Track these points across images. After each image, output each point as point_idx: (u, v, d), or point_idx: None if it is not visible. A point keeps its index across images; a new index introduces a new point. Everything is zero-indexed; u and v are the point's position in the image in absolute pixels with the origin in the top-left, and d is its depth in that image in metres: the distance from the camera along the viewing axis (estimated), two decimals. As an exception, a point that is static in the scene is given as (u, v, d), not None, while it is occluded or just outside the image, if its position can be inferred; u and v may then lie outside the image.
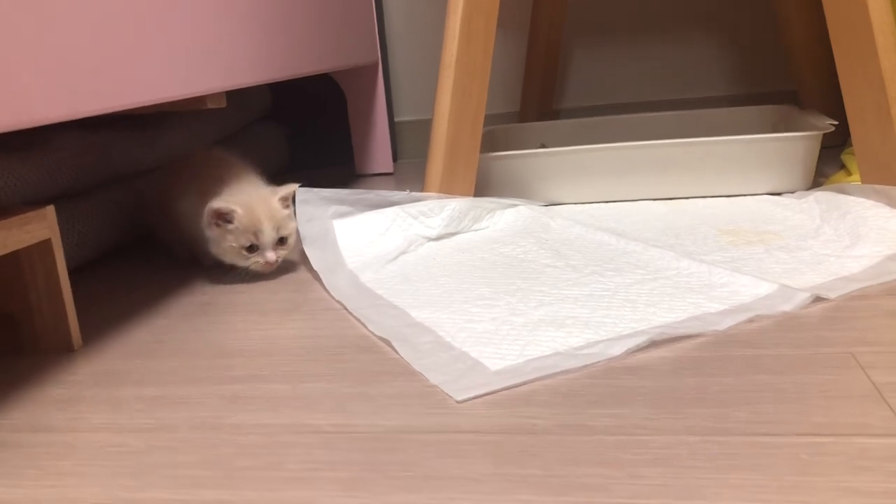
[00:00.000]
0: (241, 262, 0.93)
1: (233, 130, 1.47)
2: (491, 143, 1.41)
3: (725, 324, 0.68)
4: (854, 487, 0.45)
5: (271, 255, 0.93)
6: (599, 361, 0.64)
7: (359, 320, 0.78)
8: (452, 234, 1.07)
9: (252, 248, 0.92)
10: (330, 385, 0.65)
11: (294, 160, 1.78)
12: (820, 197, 1.03)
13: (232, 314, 0.85)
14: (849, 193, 1.00)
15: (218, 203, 0.91)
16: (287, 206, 0.96)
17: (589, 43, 1.73)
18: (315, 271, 0.93)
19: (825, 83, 1.44)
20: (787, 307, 0.70)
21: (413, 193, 1.13)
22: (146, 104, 0.76)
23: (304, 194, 1.07)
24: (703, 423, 0.54)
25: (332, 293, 0.87)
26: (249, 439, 0.57)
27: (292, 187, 0.98)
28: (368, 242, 1.01)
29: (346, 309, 0.82)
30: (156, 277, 1.03)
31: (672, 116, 1.45)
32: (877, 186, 0.94)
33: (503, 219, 1.12)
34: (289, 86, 1.73)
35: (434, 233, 1.05)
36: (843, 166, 1.20)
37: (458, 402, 0.59)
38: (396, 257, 0.99)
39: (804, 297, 0.71)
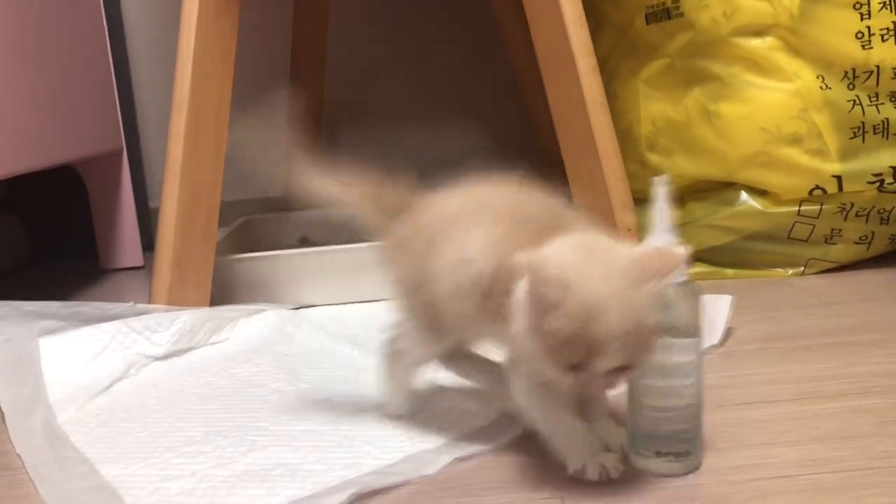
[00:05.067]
0: (543, 371, 0.55)
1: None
2: (245, 236, 1.33)
3: (438, 465, 0.64)
4: None
5: (598, 387, 0.55)
6: (296, 529, 0.57)
7: (34, 483, 0.66)
8: (185, 350, 0.97)
9: (570, 367, 0.53)
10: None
11: (37, 254, 1.60)
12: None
13: None
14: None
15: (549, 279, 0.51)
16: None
17: (353, 125, 1.71)
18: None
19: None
20: (503, 439, 0.67)
21: (138, 305, 1.02)
22: None
23: (2, 309, 0.93)
24: None
25: (14, 443, 0.74)
26: None
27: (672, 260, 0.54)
28: (80, 366, 0.89)
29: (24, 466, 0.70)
30: None
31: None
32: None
33: (246, 328, 1.03)
34: (27, 175, 1.56)
35: (162, 350, 0.95)
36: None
37: None
38: (110, 385, 0.87)
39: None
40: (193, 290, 1.02)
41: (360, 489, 0.60)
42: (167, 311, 1.00)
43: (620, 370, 0.53)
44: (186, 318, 0.98)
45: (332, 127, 1.69)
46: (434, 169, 1.67)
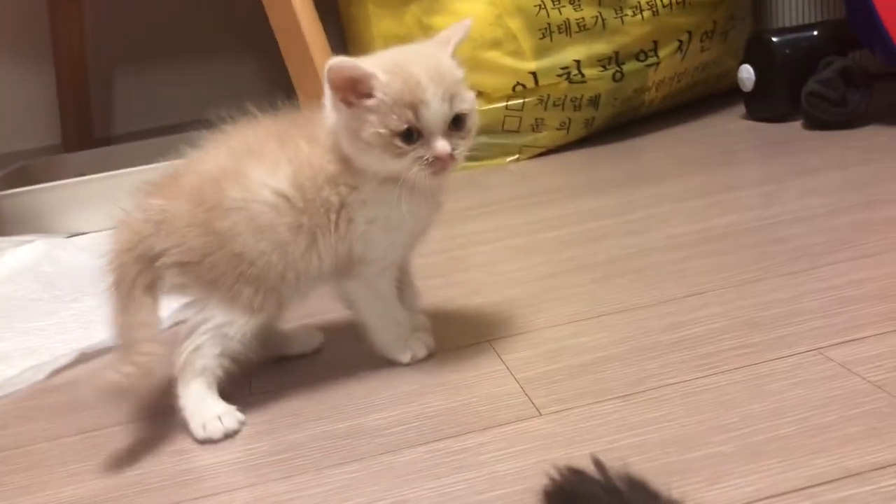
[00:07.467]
0: (395, 166, 0.57)
1: None
2: (22, 179, 1.38)
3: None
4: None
5: (443, 146, 0.56)
6: (24, 387, 0.69)
7: None
8: (-48, 282, 1.04)
9: (409, 136, 0.56)
10: None
11: None
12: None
13: None
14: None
15: (345, 63, 0.55)
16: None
17: (129, 68, 1.75)
18: None
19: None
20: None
21: None
22: None
23: None
24: (96, 421, 0.61)
25: None
26: None
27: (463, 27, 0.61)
28: None
29: None
30: None
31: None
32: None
33: (15, 257, 1.10)
34: None
35: (-77, 283, 1.02)
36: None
37: None
38: None
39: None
40: (-46, 226, 1.09)
41: (85, 349, 0.72)
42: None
43: (456, 131, 0.57)
44: (-51, 251, 1.05)
45: (102, 63, 1.72)
46: (212, 102, 1.75)
